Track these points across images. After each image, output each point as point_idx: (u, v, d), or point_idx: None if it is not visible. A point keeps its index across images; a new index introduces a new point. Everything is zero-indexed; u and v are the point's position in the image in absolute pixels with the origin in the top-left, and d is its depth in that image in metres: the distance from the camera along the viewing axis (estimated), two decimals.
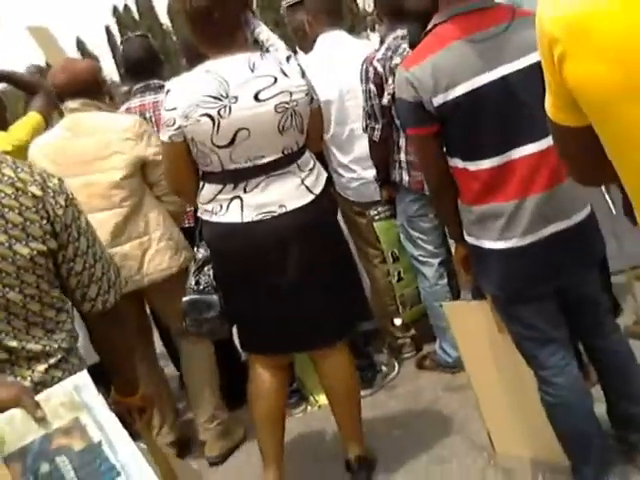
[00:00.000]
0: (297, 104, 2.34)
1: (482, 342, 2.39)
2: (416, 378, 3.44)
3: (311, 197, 2.40)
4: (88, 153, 2.81)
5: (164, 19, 27.81)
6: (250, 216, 2.36)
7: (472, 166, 2.03)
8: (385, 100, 2.95)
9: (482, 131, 2.00)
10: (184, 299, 2.52)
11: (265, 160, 2.35)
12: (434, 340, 3.41)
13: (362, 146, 3.30)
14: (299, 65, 2.39)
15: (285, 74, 2.32)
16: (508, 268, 2.08)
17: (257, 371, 2.61)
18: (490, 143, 2.01)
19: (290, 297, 2.42)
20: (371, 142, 3.09)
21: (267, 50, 3.29)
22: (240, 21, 2.34)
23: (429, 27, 2.05)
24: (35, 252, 1.50)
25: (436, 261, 3.22)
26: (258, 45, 3.12)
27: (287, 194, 2.37)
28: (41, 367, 1.54)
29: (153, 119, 3.29)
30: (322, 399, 3.12)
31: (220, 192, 2.38)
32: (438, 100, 1.98)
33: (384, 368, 3.54)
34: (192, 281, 2.52)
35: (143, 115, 3.28)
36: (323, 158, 3.59)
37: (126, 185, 2.84)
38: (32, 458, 1.31)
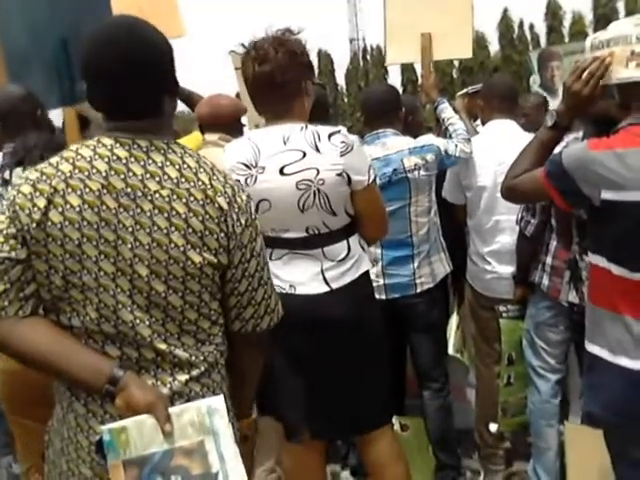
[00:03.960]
0: (323, 183, 2.20)
1: (597, 475, 2.19)
2: None
3: (325, 289, 2.28)
4: None
5: (340, 80, 32.09)
6: None
7: (617, 271, 1.92)
8: None
9: None
10: None
11: (289, 235, 2.28)
12: (527, 459, 3.17)
13: (504, 240, 3.21)
14: (344, 142, 2.22)
15: (318, 150, 2.20)
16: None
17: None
18: None
19: (305, 375, 2.31)
20: (521, 236, 2.95)
21: (446, 129, 3.27)
22: (300, 89, 2.28)
23: (622, 124, 1.97)
24: (206, 262, 1.50)
25: (554, 377, 2.99)
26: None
27: (300, 277, 2.28)
28: (182, 377, 1.52)
29: None
30: None
31: None
32: (607, 196, 1.88)
33: (468, 473, 3.34)
34: None
35: None
36: (463, 242, 3.52)
37: None
38: (150, 469, 1.32)
